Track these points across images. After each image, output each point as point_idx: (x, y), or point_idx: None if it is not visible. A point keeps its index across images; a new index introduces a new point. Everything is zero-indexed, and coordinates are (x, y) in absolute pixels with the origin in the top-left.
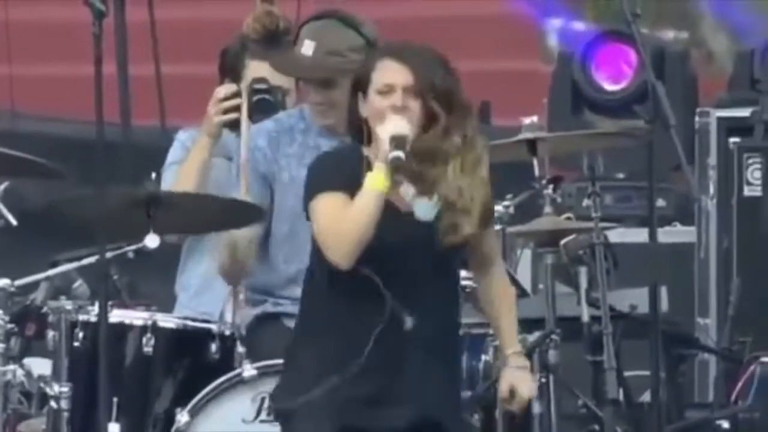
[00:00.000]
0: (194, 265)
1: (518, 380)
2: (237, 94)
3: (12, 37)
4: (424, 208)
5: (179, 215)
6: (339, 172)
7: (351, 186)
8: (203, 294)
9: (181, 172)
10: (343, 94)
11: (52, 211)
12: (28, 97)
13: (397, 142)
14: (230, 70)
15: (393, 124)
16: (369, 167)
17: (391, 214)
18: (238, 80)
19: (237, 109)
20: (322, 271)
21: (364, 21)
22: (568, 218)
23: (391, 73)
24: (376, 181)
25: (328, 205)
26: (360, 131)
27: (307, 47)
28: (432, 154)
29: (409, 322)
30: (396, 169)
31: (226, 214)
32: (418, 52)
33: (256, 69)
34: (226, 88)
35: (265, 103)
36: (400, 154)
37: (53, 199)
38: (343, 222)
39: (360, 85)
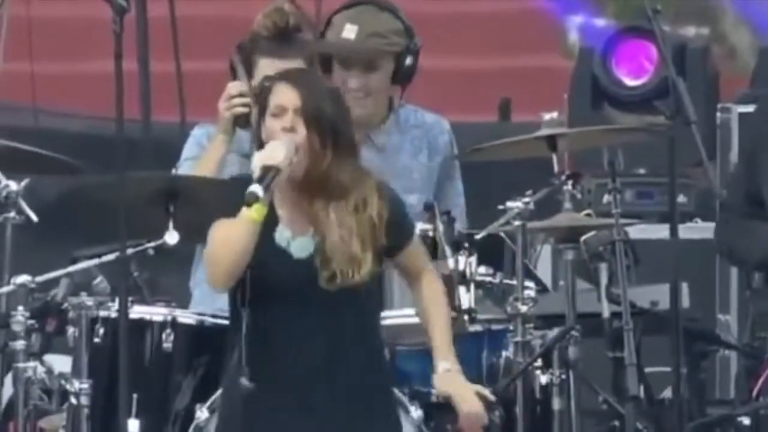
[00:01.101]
0: None
1: (460, 397)
2: (246, 95)
3: (33, 34)
4: (299, 245)
5: (199, 207)
6: (234, 198)
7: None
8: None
9: (196, 169)
10: (382, 81)
11: (70, 199)
12: (49, 93)
13: (264, 172)
14: (244, 68)
15: (268, 151)
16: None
17: (278, 255)
18: (250, 78)
19: (247, 105)
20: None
21: (398, 6)
22: (588, 214)
23: (282, 95)
24: (249, 210)
25: (217, 231)
26: None
27: (349, 31)
28: (316, 188)
29: (245, 383)
30: (249, 205)
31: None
32: (312, 79)
33: (267, 67)
34: (236, 86)
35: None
36: (258, 189)
37: (72, 185)
38: (218, 246)
39: (260, 111)
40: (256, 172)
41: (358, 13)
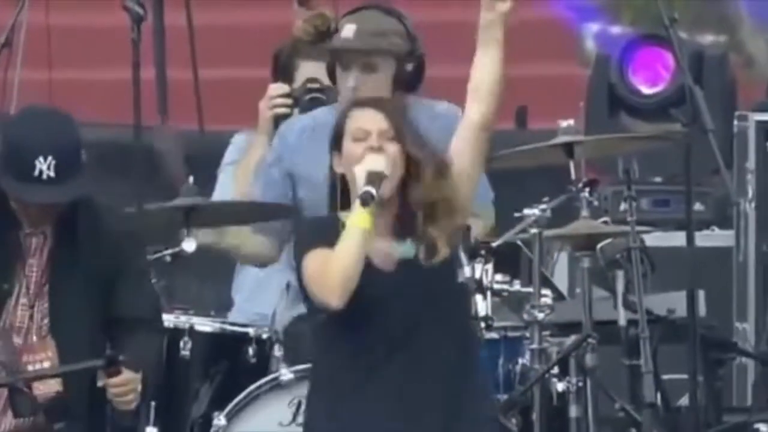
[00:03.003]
0: (247, 268)
1: None
2: (288, 95)
3: (52, 42)
4: (405, 249)
5: (217, 221)
6: (321, 235)
7: (333, 246)
8: (257, 295)
9: (238, 171)
10: (382, 83)
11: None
12: (67, 101)
13: (372, 178)
14: (282, 72)
15: (370, 160)
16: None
17: (374, 273)
18: (290, 82)
19: (288, 106)
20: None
21: (405, 14)
22: (605, 222)
23: (364, 119)
24: (356, 218)
25: (315, 257)
26: (336, 198)
27: (348, 30)
28: (435, 204)
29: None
30: (365, 203)
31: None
32: (389, 100)
33: (308, 70)
34: (278, 87)
35: (317, 102)
36: (371, 189)
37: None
38: (329, 264)
39: (334, 143)
40: (360, 179)
41: (361, 14)
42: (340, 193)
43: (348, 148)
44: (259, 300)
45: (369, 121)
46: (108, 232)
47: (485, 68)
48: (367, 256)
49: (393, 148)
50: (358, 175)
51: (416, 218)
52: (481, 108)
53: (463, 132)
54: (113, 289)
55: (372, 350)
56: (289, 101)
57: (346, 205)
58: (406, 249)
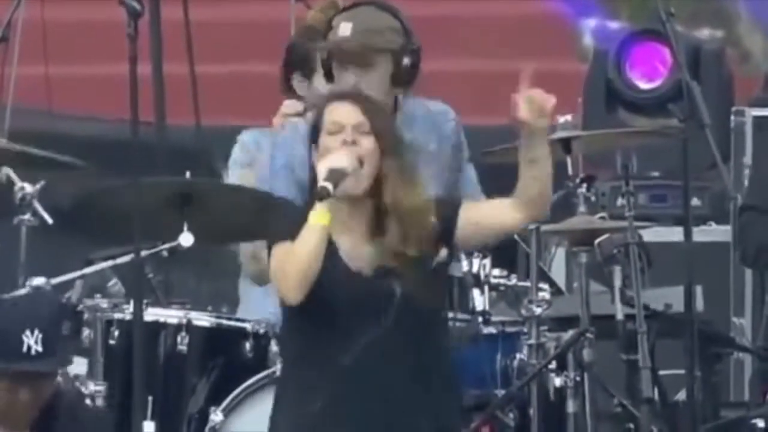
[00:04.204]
0: None
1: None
2: (300, 114)
3: (48, 37)
4: (377, 251)
5: (213, 212)
6: (291, 228)
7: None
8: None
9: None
10: (379, 80)
11: (85, 204)
12: (64, 97)
13: (332, 174)
14: (301, 64)
15: (334, 157)
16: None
17: (346, 274)
18: (311, 74)
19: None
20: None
21: (399, 9)
22: (602, 217)
23: (339, 112)
24: (317, 215)
25: (279, 251)
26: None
27: (344, 28)
28: (379, 202)
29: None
30: (320, 198)
31: (260, 210)
32: (366, 95)
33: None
34: (291, 104)
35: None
36: (328, 185)
37: (87, 191)
38: (288, 259)
39: (312, 138)
40: (322, 174)
41: (356, 12)
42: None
43: (323, 141)
44: (273, 300)
45: (344, 114)
46: None
47: (531, 184)
48: (341, 257)
49: (367, 142)
50: (319, 170)
51: (387, 219)
52: (518, 216)
53: (491, 218)
54: None
55: (344, 351)
56: (302, 119)
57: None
58: (377, 251)
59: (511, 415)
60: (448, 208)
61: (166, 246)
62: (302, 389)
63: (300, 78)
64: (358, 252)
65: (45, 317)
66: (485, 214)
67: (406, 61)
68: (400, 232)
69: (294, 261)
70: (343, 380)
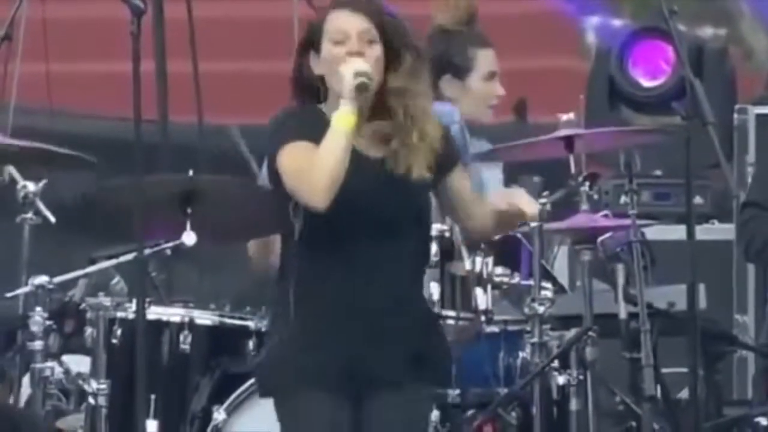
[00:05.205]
0: None
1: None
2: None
3: (49, 34)
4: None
5: (217, 210)
6: (301, 126)
7: (314, 141)
8: None
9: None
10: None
11: (89, 203)
12: (66, 95)
13: (361, 76)
14: (456, 70)
15: (355, 62)
16: (329, 124)
17: (358, 161)
18: (464, 74)
19: None
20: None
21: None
22: (605, 215)
23: (344, 20)
24: (342, 118)
25: (297, 152)
26: (310, 91)
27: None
28: (401, 93)
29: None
30: (361, 92)
31: (264, 205)
32: (369, 1)
33: (488, 57)
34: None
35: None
36: (365, 78)
37: (89, 191)
38: (313, 163)
39: (311, 42)
40: (348, 78)
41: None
42: (306, 89)
43: (328, 50)
44: None
45: (348, 22)
46: None
47: (483, 218)
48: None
49: (373, 51)
50: (345, 73)
51: (395, 118)
52: (488, 224)
53: (469, 203)
54: None
55: (357, 240)
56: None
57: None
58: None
59: (513, 413)
60: (451, 151)
61: (169, 244)
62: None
63: (450, 79)
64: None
65: None
66: (468, 194)
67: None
68: (404, 148)
69: (321, 167)
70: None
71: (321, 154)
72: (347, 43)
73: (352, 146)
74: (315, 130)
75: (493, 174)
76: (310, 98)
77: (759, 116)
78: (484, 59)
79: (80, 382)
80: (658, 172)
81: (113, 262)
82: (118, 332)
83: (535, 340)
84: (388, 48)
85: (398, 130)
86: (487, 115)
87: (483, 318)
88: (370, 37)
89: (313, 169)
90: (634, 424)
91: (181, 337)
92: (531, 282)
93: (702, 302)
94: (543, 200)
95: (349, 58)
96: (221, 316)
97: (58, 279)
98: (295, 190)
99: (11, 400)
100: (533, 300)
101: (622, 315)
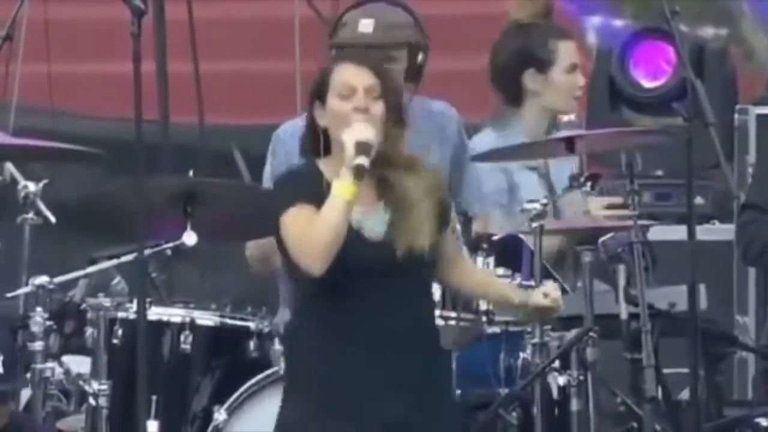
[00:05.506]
0: None
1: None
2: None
3: (51, 35)
4: (372, 224)
5: (217, 210)
6: (302, 188)
7: (314, 201)
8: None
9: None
10: (399, 74)
11: (90, 204)
12: (67, 95)
13: (362, 147)
14: (537, 64)
15: (358, 128)
16: (326, 181)
17: (358, 240)
18: (548, 65)
19: None
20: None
21: (406, 2)
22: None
23: (351, 74)
24: (342, 188)
25: (298, 217)
26: (315, 142)
27: (366, 25)
28: (386, 165)
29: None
30: (359, 176)
31: (263, 207)
32: (374, 56)
33: (569, 49)
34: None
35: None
36: (364, 161)
37: (90, 193)
38: (313, 229)
39: (317, 93)
40: (350, 150)
41: (371, 8)
42: (318, 140)
43: (334, 104)
44: None
45: (355, 76)
46: None
47: (483, 287)
48: (355, 226)
49: (378, 108)
50: (347, 143)
51: (396, 177)
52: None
53: (457, 266)
54: None
55: (358, 320)
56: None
57: (327, 153)
58: (380, 218)
59: (514, 414)
60: (445, 211)
61: (170, 245)
62: (319, 375)
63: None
64: (366, 218)
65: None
66: (456, 256)
67: (420, 56)
68: (404, 202)
69: (318, 235)
70: (362, 357)
71: (319, 222)
72: (354, 99)
73: (353, 227)
74: (315, 191)
75: (565, 167)
76: (316, 150)
77: (760, 116)
78: (566, 51)
79: (81, 382)
80: (660, 173)
81: (114, 262)
82: (119, 333)
83: (536, 340)
84: (394, 107)
85: (394, 209)
86: (572, 107)
87: (484, 319)
88: (375, 93)
89: (310, 237)
90: (635, 424)
91: (182, 338)
92: (532, 282)
93: (703, 303)
94: (545, 201)
95: (353, 123)
96: (222, 316)
97: (58, 279)
98: (294, 256)
99: (11, 401)
100: None
101: (623, 315)
